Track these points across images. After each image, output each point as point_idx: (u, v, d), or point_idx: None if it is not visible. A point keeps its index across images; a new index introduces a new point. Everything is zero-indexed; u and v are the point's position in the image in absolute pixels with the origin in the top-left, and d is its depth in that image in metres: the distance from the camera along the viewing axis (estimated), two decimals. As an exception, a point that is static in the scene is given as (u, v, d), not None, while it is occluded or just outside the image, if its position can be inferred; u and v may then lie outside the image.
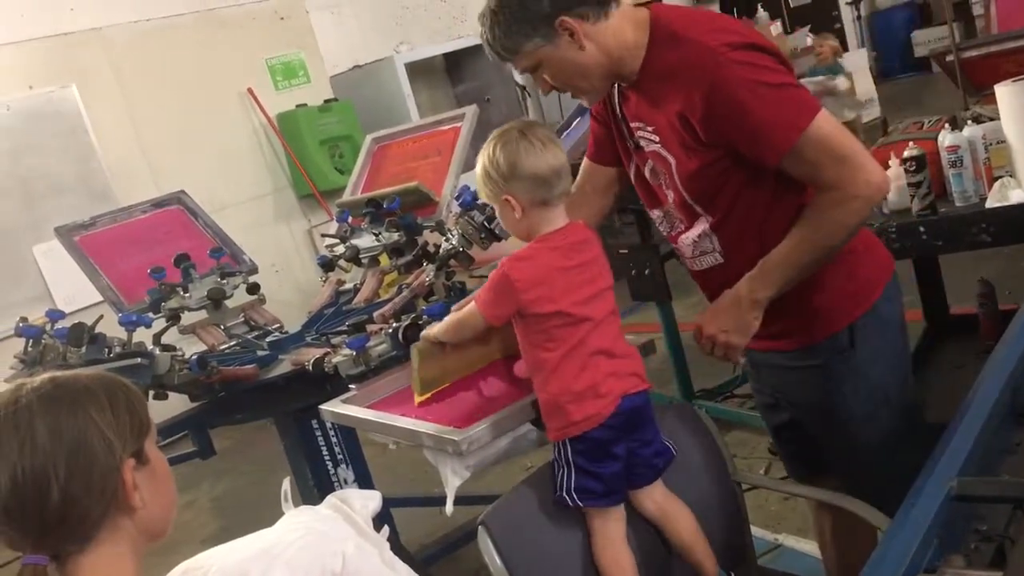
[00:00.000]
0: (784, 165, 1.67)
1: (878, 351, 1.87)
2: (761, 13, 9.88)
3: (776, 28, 9.48)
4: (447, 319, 1.88)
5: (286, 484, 1.47)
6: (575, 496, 1.73)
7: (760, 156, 1.68)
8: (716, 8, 10.64)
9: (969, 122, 2.66)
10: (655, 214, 1.95)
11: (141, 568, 1.14)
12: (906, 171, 2.58)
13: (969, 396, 1.47)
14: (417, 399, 1.92)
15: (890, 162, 2.70)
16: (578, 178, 2.06)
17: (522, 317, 1.72)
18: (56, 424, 1.05)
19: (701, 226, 1.83)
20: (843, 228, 1.69)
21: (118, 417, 1.09)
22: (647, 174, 1.88)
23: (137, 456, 1.11)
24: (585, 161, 2.08)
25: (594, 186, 2.05)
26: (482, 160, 1.74)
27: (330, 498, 1.37)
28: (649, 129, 1.79)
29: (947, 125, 2.70)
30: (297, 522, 1.29)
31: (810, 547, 2.73)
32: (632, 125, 1.84)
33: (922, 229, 2.56)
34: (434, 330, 1.89)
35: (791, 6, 11.51)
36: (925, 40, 10.95)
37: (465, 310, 1.82)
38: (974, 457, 1.29)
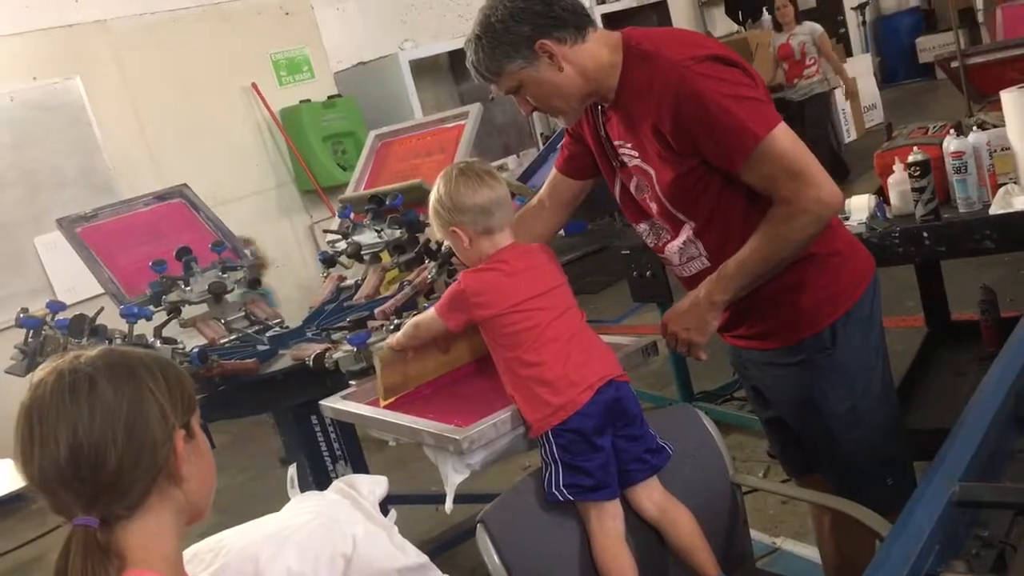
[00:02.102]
0: (743, 175, 1.75)
1: (858, 350, 1.93)
2: (766, 16, 9.88)
3: (781, 32, 9.46)
4: (406, 324, 2.01)
5: (292, 470, 1.49)
6: (564, 491, 1.75)
7: (724, 163, 1.76)
8: (722, 11, 10.64)
9: (974, 128, 2.66)
10: (641, 227, 2.02)
11: (181, 543, 1.15)
12: (910, 176, 2.57)
13: (972, 401, 1.46)
14: (382, 403, 2.01)
15: (894, 167, 2.69)
16: (542, 189, 2.17)
17: (482, 325, 1.84)
18: (117, 391, 1.08)
19: (685, 233, 1.90)
20: (792, 241, 1.77)
21: (171, 389, 1.13)
22: (632, 190, 1.95)
23: (186, 428, 1.14)
24: (553, 171, 2.16)
25: (555, 198, 2.14)
26: (431, 199, 1.89)
27: (337, 483, 1.38)
28: (628, 145, 1.88)
29: (952, 131, 2.69)
30: (305, 507, 1.30)
31: (808, 551, 2.73)
32: (615, 143, 1.92)
33: (925, 235, 2.55)
34: (395, 337, 2.01)
35: (798, 10, 11.50)
36: (930, 46, 10.97)
37: (424, 314, 1.96)
38: (976, 463, 1.28)
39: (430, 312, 1.93)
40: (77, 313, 2.58)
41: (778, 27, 7.61)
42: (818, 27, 7.40)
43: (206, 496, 1.19)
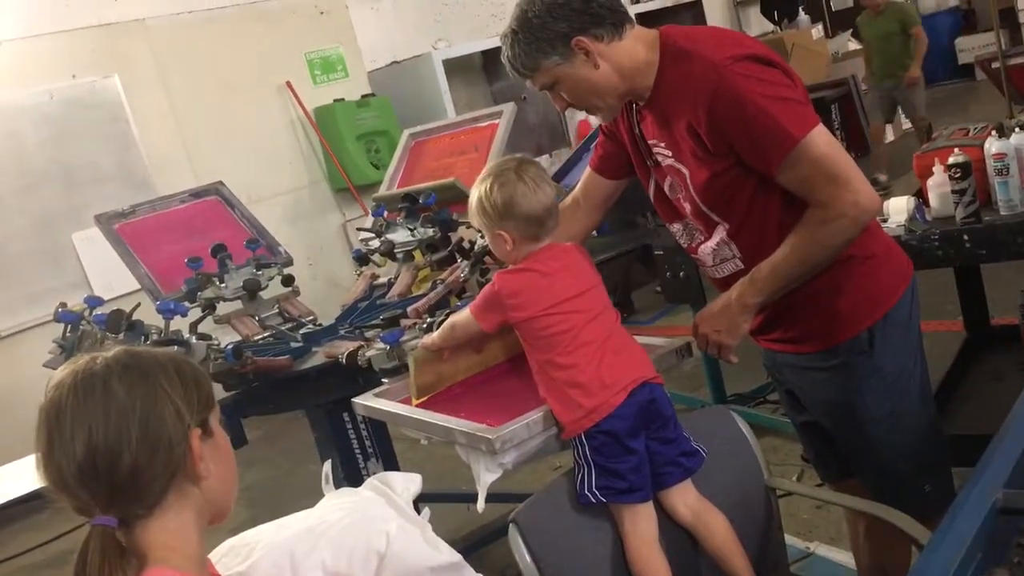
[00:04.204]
0: (779, 177, 1.73)
1: (897, 353, 1.91)
2: (802, 16, 9.80)
3: (817, 32, 9.40)
4: (443, 324, 2.00)
5: (327, 466, 1.49)
6: (597, 493, 1.74)
7: (760, 165, 1.74)
8: (757, 11, 10.56)
9: (1016, 129, 2.61)
10: (675, 228, 2.01)
11: (204, 540, 1.16)
12: (951, 178, 2.53)
13: (1016, 407, 1.43)
14: (414, 402, 2.01)
15: (934, 168, 2.66)
16: (576, 189, 2.16)
17: (517, 327, 1.83)
18: (130, 390, 1.09)
19: (719, 235, 1.88)
20: (828, 246, 1.75)
21: (186, 388, 1.13)
22: (666, 189, 1.94)
23: (203, 426, 1.15)
24: (587, 171, 2.15)
25: (589, 199, 2.13)
26: (478, 194, 1.85)
27: (371, 480, 1.39)
28: (663, 145, 1.86)
29: (994, 132, 2.65)
30: (340, 503, 1.31)
31: (842, 556, 2.70)
32: (649, 142, 1.90)
33: (966, 237, 2.51)
34: (432, 337, 2.00)
35: (833, 10, 11.40)
36: (969, 47, 10.82)
37: (460, 314, 1.95)
38: (1020, 470, 1.26)
39: (465, 312, 1.92)
40: (114, 308, 2.61)
41: None
42: None
43: (227, 494, 1.20)
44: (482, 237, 2.69)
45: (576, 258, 1.88)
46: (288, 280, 3.14)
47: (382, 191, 3.56)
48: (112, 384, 1.08)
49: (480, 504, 1.78)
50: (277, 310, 3.08)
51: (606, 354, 1.77)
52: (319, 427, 2.96)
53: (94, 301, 2.73)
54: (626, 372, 1.76)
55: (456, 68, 7.30)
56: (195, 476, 1.12)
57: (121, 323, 2.54)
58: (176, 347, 2.47)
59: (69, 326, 2.68)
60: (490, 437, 1.70)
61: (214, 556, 1.24)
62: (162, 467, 1.08)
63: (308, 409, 2.97)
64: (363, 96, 6.71)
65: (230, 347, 2.54)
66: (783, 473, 3.35)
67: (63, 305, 2.74)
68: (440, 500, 3.45)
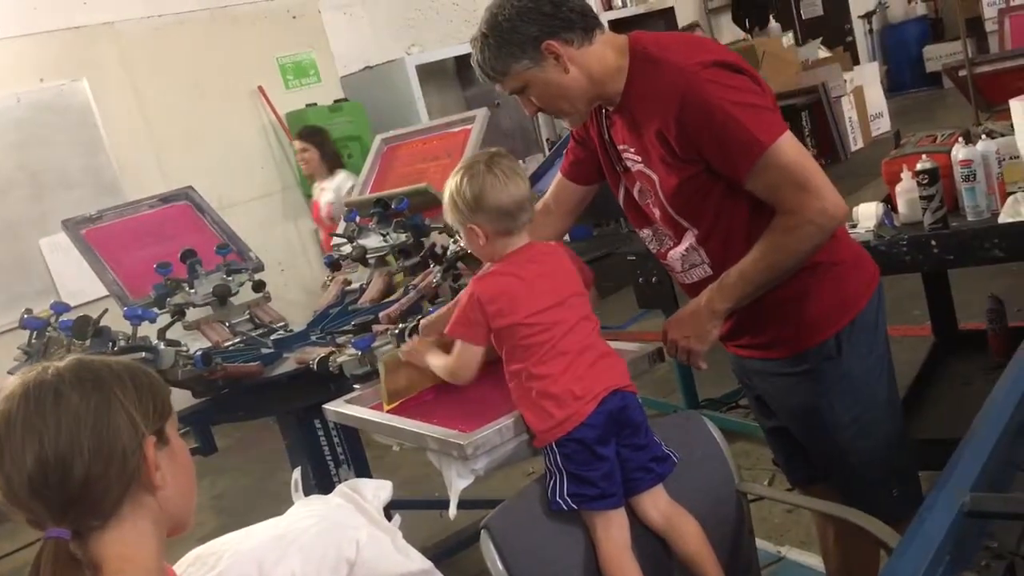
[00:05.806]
0: (748, 184, 1.74)
1: (864, 358, 1.92)
2: (773, 24, 9.88)
3: (788, 39, 9.46)
4: (439, 370, 1.91)
5: (296, 474, 1.48)
6: (569, 500, 1.74)
7: (728, 171, 1.75)
8: (728, 18, 10.63)
9: (983, 137, 2.65)
10: (644, 233, 2.01)
11: (163, 550, 1.14)
12: (919, 184, 2.56)
13: (982, 411, 1.45)
14: (386, 408, 2.00)
15: (902, 174, 2.68)
16: (547, 194, 2.16)
17: (495, 334, 1.80)
18: (82, 401, 1.07)
19: (688, 240, 1.89)
20: (795, 252, 1.76)
21: (141, 397, 1.11)
22: (636, 195, 1.95)
23: (158, 435, 1.13)
24: (558, 176, 2.15)
25: (560, 205, 2.13)
26: (449, 189, 1.82)
27: (341, 487, 1.38)
28: (632, 150, 1.86)
29: (961, 139, 2.68)
30: (310, 511, 1.30)
31: (813, 560, 2.71)
32: (619, 148, 1.91)
33: (933, 243, 2.54)
34: (436, 363, 1.92)
35: (803, 18, 11.51)
36: (937, 55, 10.95)
37: (455, 353, 1.86)
38: (987, 473, 1.27)
39: (459, 345, 1.84)
40: (81, 315, 2.57)
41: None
42: (347, 182, 4.89)
43: (185, 503, 1.18)
44: (455, 242, 2.70)
45: (557, 260, 1.84)
46: (259, 286, 3.12)
47: (354, 196, 3.55)
48: (63, 394, 1.06)
49: (452, 510, 1.77)
50: (248, 316, 3.06)
51: (581, 364, 1.75)
52: (290, 434, 2.94)
53: (60, 307, 2.70)
54: (598, 381, 1.75)
55: (429, 73, 7.29)
56: (151, 486, 1.10)
57: (88, 329, 2.51)
58: (144, 353, 2.44)
59: (35, 333, 2.64)
60: (462, 443, 1.69)
61: (180, 566, 1.22)
62: (116, 477, 1.06)
63: (279, 416, 2.95)
64: (336, 101, 6.68)
65: (200, 353, 2.52)
66: (754, 478, 3.37)
67: (29, 311, 2.70)
68: (411, 507, 3.44)
